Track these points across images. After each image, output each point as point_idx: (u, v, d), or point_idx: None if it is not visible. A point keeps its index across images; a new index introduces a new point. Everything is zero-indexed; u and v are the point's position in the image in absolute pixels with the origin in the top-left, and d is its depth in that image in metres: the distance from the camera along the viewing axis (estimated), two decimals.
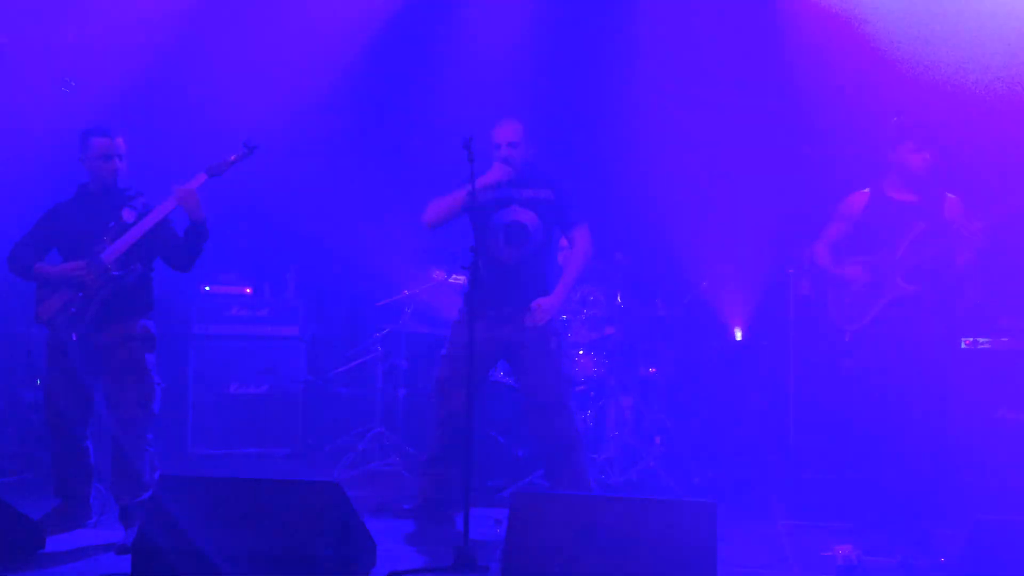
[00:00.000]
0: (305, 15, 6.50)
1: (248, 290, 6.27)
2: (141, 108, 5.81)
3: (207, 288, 6.24)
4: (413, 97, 6.61)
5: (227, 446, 5.97)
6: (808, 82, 6.21)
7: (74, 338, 3.94)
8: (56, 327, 3.98)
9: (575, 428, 4.30)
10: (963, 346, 5.34)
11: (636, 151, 6.59)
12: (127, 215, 4.05)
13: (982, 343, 5.41)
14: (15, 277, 4.15)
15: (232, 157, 4.08)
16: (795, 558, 3.96)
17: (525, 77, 6.66)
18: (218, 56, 6.42)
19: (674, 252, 6.43)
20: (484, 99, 6.49)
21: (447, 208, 4.27)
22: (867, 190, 4.47)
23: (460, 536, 3.53)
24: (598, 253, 6.01)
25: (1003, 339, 5.40)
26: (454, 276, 5.62)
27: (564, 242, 4.58)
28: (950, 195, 4.28)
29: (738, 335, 6.38)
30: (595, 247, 4.37)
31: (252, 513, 3.15)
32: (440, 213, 4.29)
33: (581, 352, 5.46)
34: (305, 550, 3.03)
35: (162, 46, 6.27)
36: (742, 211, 6.45)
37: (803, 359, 5.80)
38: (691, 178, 6.50)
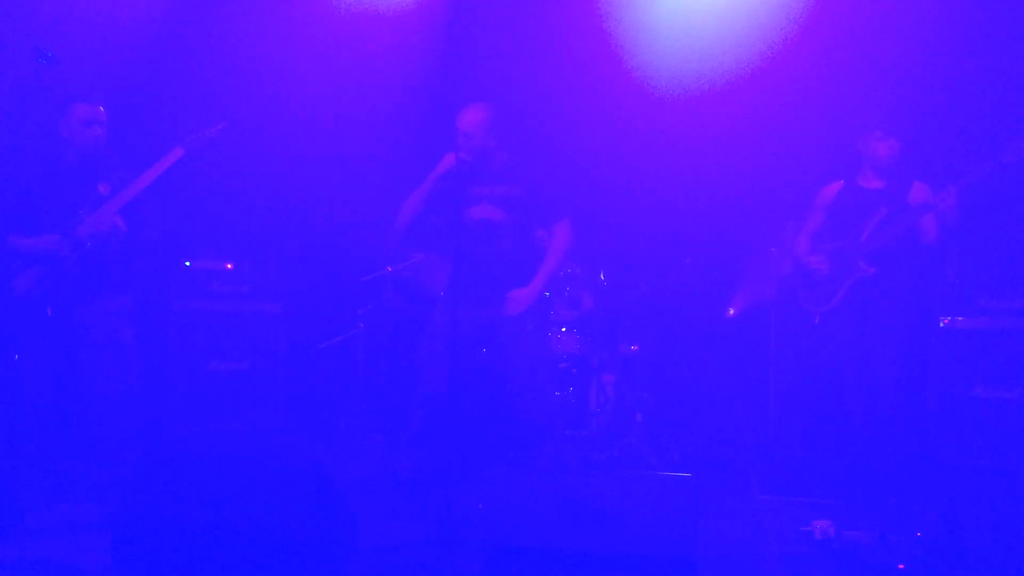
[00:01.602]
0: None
1: (229, 265, 6.22)
2: (126, 89, 5.73)
3: (187, 264, 6.18)
4: (402, 72, 6.54)
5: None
6: (799, 64, 6.24)
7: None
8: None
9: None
10: (941, 324, 5.42)
11: (619, 128, 6.59)
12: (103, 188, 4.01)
13: (960, 321, 5.48)
14: None
15: (209, 130, 4.02)
16: (773, 533, 4.01)
17: (511, 57, 6.63)
18: (201, 35, 6.35)
19: (657, 229, 6.45)
20: (477, 81, 6.47)
21: (412, 212, 4.30)
22: (841, 181, 4.59)
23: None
24: (579, 232, 6.06)
25: (981, 318, 5.48)
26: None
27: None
28: (918, 182, 4.36)
29: (731, 311, 6.41)
30: (572, 240, 4.38)
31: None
32: (409, 217, 4.33)
33: (564, 329, 5.47)
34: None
35: (150, 28, 6.19)
36: (725, 189, 6.47)
37: (783, 337, 5.85)
38: (676, 156, 6.51)
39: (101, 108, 4.10)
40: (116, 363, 4.00)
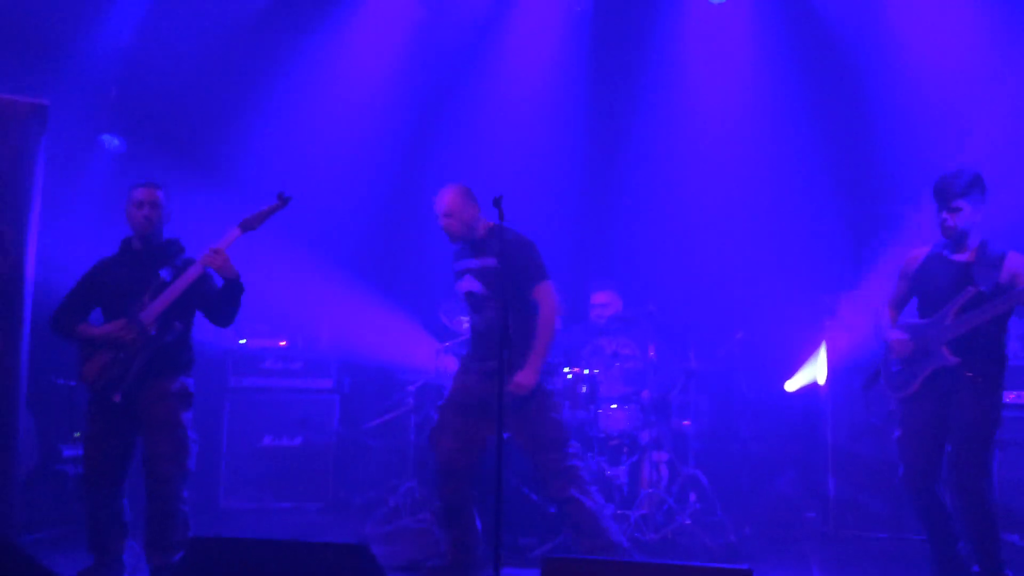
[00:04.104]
0: (338, 65, 6.68)
1: (282, 343, 6.33)
2: (188, 164, 5.95)
3: (242, 341, 6.30)
4: (445, 147, 6.71)
5: (259, 499, 5.98)
6: (855, 132, 6.24)
7: (117, 399, 3.97)
8: (99, 388, 4.02)
9: (564, 489, 4.22)
10: (1008, 400, 5.24)
11: (669, 203, 6.62)
12: (165, 274, 4.10)
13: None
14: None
15: (265, 208, 4.11)
16: None
17: (552, 123, 6.76)
18: (254, 108, 6.59)
19: (707, 303, 6.40)
20: (514, 151, 6.61)
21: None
22: (927, 248, 4.21)
23: None
24: (631, 303, 6.05)
25: None
26: None
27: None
28: (1013, 253, 3.98)
29: (791, 386, 6.28)
30: (558, 302, 4.27)
31: (282, 575, 3.14)
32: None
33: (615, 406, 5.42)
34: None
35: (203, 98, 6.45)
36: (776, 261, 6.43)
37: (840, 413, 5.71)
38: (726, 229, 6.50)
39: (160, 192, 4.20)
40: (175, 442, 4.04)
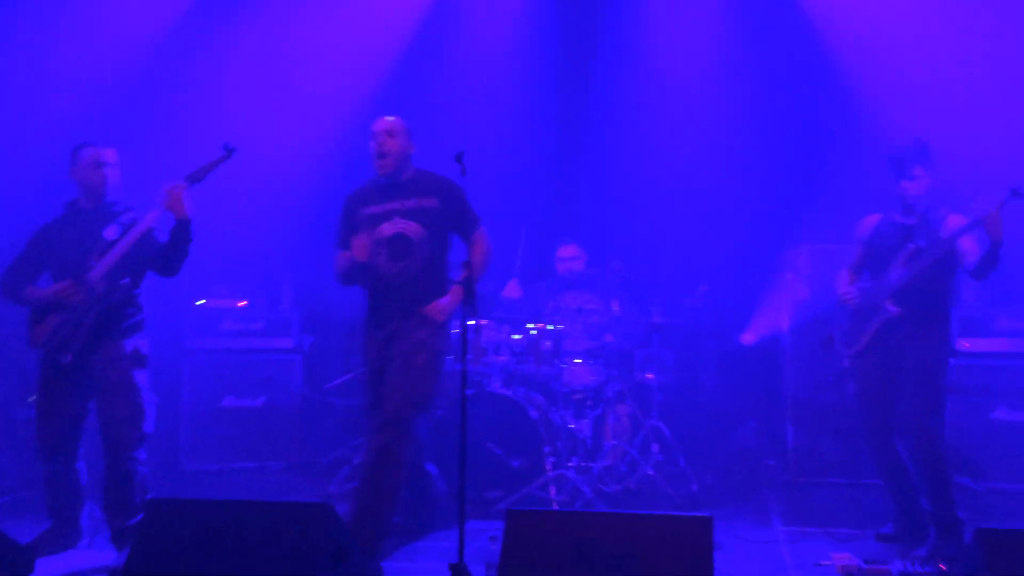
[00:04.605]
0: (298, 19, 6.53)
1: (242, 303, 6.23)
2: (127, 121, 5.80)
3: (200, 302, 6.20)
4: (408, 104, 6.60)
5: (222, 461, 5.93)
6: (817, 91, 6.27)
7: (68, 360, 3.91)
8: (49, 350, 3.95)
9: (394, 451, 3.90)
10: (963, 348, 5.35)
11: (632, 158, 6.60)
12: (110, 232, 4.01)
13: (979, 345, 5.41)
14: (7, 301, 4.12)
15: (210, 161, 3.99)
16: (793, 566, 3.94)
17: (518, 83, 6.69)
18: (206, 64, 6.42)
19: (671, 258, 6.42)
20: (480, 109, 6.54)
21: (344, 271, 4.17)
22: (879, 215, 4.44)
23: (455, 551, 3.50)
24: (594, 261, 6.05)
25: (999, 340, 5.42)
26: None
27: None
28: (954, 215, 4.18)
29: (748, 339, 6.33)
30: (494, 247, 4.13)
31: (243, 536, 3.12)
32: (342, 274, 4.21)
33: (579, 361, 5.43)
34: (299, 573, 3.00)
35: (148, 55, 6.28)
36: (740, 216, 6.45)
37: (800, 364, 5.78)
38: (689, 183, 6.50)
39: (111, 151, 4.11)
40: (130, 404, 3.98)
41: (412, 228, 4.05)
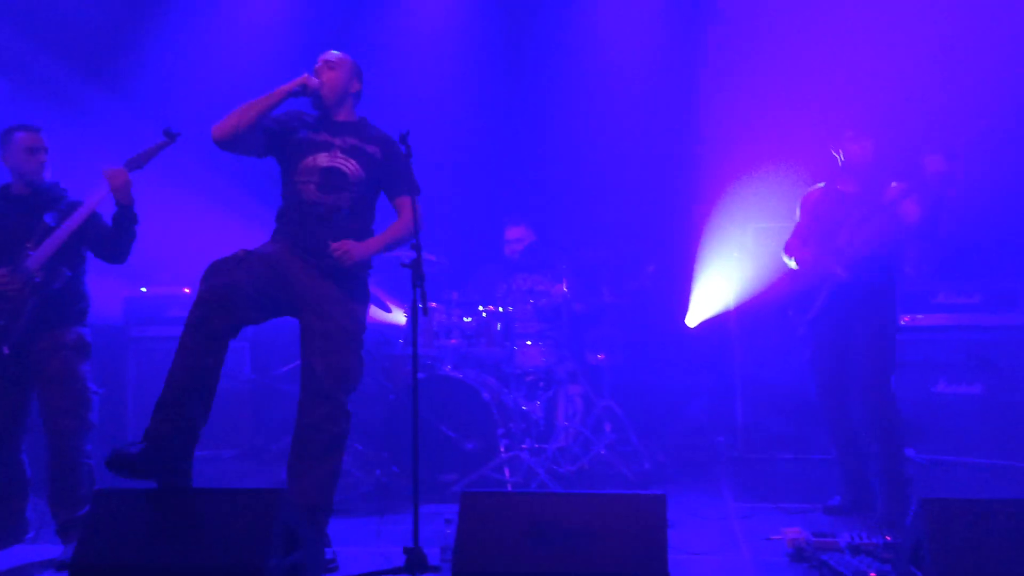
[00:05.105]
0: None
1: (187, 290, 6.11)
2: (63, 106, 5.64)
3: (143, 289, 6.07)
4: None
5: None
6: (756, 71, 6.33)
7: (6, 351, 3.79)
8: None
9: (336, 430, 3.64)
10: (902, 323, 5.48)
11: (579, 138, 6.61)
12: (50, 218, 3.90)
13: (919, 320, 5.55)
14: None
15: (152, 146, 3.88)
16: (745, 540, 4.01)
17: (464, 64, 6.66)
18: (148, 48, 6.28)
19: (618, 238, 6.45)
20: (426, 89, 6.49)
21: (249, 114, 3.61)
22: (822, 184, 4.54)
23: (411, 535, 3.49)
24: (544, 242, 6.06)
25: (940, 315, 5.56)
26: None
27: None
28: (895, 183, 4.30)
29: (691, 321, 6.40)
30: (422, 223, 3.69)
31: (193, 525, 3.07)
32: (239, 119, 3.61)
33: (529, 343, 5.44)
34: (251, 561, 2.96)
35: (90, 40, 6.12)
36: (687, 195, 6.51)
37: (747, 342, 5.88)
38: (636, 163, 6.53)
39: (42, 135, 3.99)
40: (73, 394, 3.89)
41: (351, 166, 3.72)
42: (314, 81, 3.73)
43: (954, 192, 4.04)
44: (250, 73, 6.33)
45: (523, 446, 5.02)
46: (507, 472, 4.84)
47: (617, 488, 4.88)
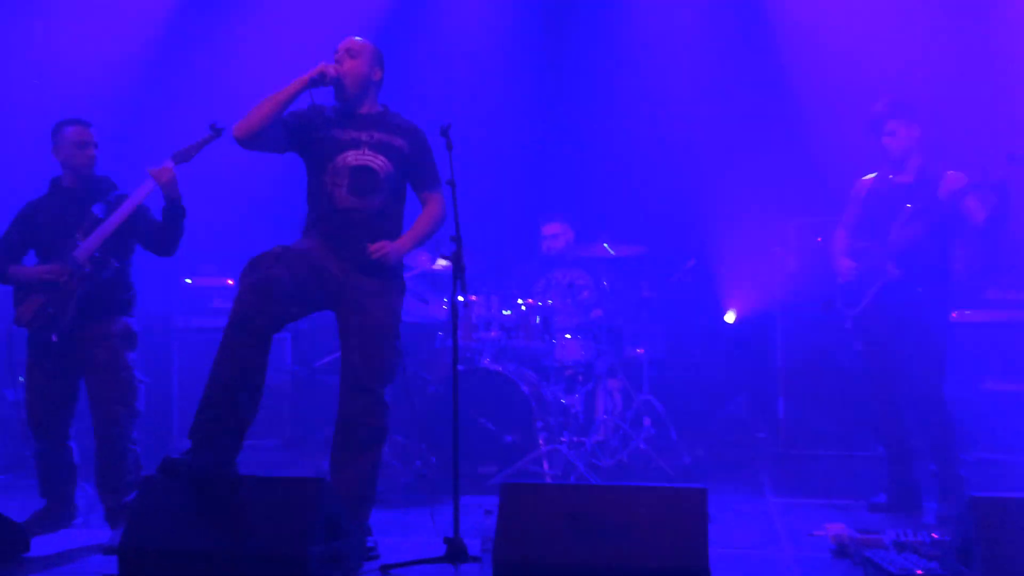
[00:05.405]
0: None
1: (230, 281, 6.20)
2: (112, 101, 5.73)
3: (188, 281, 6.16)
4: (394, 73, 6.54)
5: None
6: (799, 63, 6.25)
7: (54, 339, 3.88)
8: (35, 329, 3.92)
9: (376, 423, 3.62)
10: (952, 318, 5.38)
11: (619, 133, 6.58)
12: (98, 210, 3.97)
13: (969, 315, 5.44)
14: None
15: (198, 140, 3.93)
16: (786, 536, 3.96)
17: (505, 58, 6.65)
18: (193, 44, 6.35)
19: (659, 233, 6.41)
20: (465, 85, 6.50)
21: (268, 109, 3.52)
22: (874, 174, 4.42)
23: (451, 526, 3.50)
24: (584, 238, 6.03)
25: (990, 311, 5.45)
26: (439, 261, 5.54)
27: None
28: (951, 172, 4.15)
29: (730, 317, 6.35)
30: (447, 217, 3.68)
31: (238, 512, 3.11)
32: (258, 115, 3.52)
33: (569, 336, 5.43)
34: (293, 548, 3.00)
35: (136, 37, 6.21)
36: (728, 190, 6.44)
37: (791, 336, 5.81)
38: (676, 158, 6.48)
39: (92, 129, 4.07)
40: (120, 383, 3.96)
41: (380, 162, 3.61)
42: (332, 69, 3.61)
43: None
44: (293, 66, 6.40)
45: (562, 439, 5.01)
46: (546, 465, 4.84)
47: (656, 482, 4.85)
